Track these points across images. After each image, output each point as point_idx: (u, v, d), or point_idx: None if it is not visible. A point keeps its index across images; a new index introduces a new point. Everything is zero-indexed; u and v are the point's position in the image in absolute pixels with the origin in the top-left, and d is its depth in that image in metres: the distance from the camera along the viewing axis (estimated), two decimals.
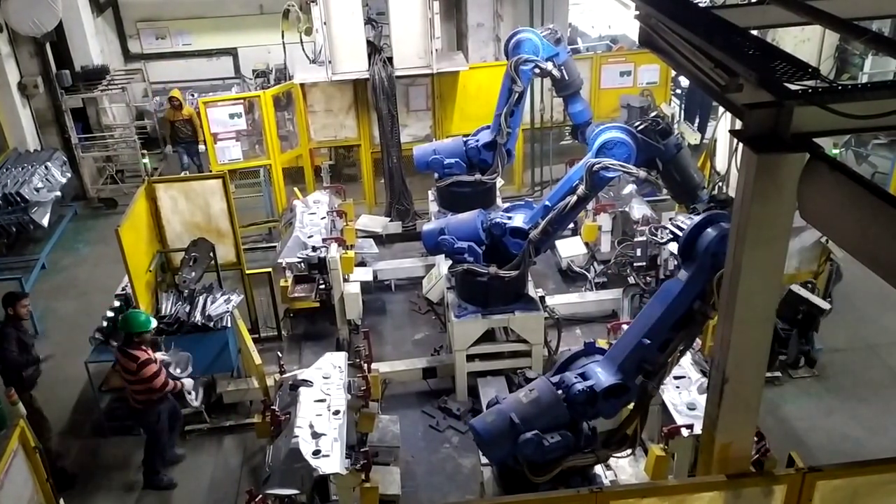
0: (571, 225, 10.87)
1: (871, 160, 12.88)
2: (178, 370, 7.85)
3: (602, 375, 5.65)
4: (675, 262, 7.56)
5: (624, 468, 6.57)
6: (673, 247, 7.65)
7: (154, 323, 7.54)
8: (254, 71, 15.66)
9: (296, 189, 11.24)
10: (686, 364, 6.64)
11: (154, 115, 15.38)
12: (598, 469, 6.00)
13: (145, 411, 7.51)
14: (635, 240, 9.16)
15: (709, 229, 5.28)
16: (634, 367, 5.61)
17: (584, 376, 5.71)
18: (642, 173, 7.56)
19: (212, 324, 8.30)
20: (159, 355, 7.62)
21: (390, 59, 11.50)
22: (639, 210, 9.69)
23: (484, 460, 6.25)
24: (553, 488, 5.60)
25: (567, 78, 9.29)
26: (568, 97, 9.53)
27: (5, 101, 12.92)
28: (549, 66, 9.06)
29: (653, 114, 8.61)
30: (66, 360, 9.35)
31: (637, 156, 7.39)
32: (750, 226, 3.93)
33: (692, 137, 12.69)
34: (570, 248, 10.44)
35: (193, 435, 8.35)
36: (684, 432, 5.91)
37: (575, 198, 7.58)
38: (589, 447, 5.79)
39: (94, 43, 14.76)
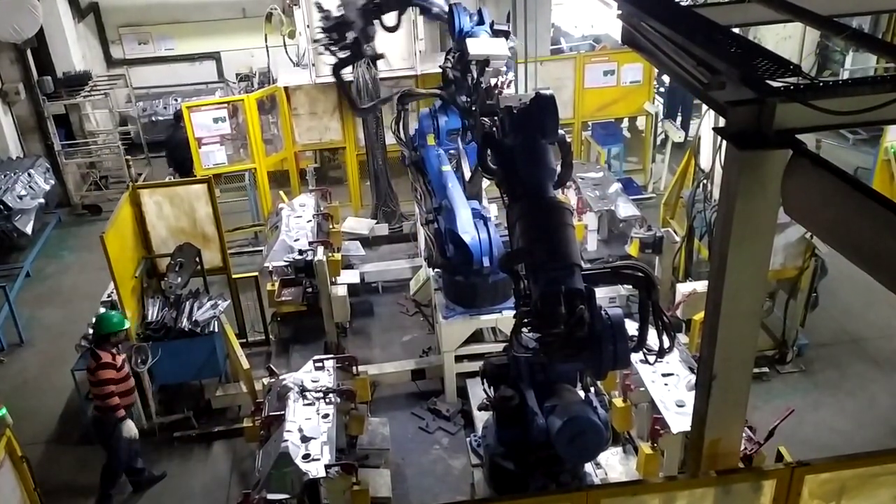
0: None
1: (850, 155, 12.94)
2: (140, 361, 7.75)
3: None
4: None
5: (614, 466, 6.59)
6: None
7: (127, 324, 7.42)
8: (237, 75, 15.58)
9: (281, 192, 11.21)
10: (674, 361, 6.66)
11: (138, 121, 15.30)
12: (588, 467, 6.00)
13: (101, 420, 7.35)
14: None
15: None
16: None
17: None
18: None
19: (199, 329, 8.25)
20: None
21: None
22: (625, 209, 9.70)
23: (475, 461, 6.25)
24: (544, 487, 5.60)
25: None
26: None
27: None
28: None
29: None
30: (52, 369, 9.29)
31: None
32: (735, 222, 3.95)
33: (676, 135, 12.75)
34: None
35: (181, 441, 8.30)
36: (673, 429, 5.93)
37: None
38: None
39: (75, 49, 14.68)
